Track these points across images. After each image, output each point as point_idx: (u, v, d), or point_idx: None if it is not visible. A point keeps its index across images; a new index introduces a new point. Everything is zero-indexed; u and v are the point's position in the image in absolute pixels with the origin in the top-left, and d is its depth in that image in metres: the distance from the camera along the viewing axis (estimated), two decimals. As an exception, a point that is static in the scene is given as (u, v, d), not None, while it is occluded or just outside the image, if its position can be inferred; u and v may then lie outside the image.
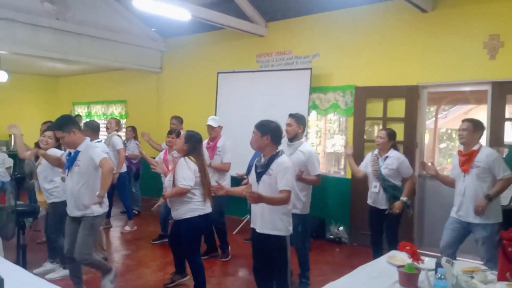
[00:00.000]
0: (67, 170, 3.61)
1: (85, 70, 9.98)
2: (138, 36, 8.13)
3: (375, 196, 4.30)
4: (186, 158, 3.71)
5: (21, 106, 10.74)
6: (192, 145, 3.75)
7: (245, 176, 4.81)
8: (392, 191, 4.18)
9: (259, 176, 3.11)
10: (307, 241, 4.18)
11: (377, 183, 4.26)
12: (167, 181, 3.81)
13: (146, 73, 8.81)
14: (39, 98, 11.26)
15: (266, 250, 3.14)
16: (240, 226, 6.38)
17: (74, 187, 3.56)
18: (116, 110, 9.80)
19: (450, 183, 4.02)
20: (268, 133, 3.08)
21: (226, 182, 4.98)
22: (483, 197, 3.62)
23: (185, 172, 3.64)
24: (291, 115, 4.06)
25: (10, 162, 6.36)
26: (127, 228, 6.33)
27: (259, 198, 2.89)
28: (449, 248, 3.79)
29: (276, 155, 3.08)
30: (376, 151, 4.38)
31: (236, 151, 5.16)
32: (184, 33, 7.93)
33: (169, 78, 8.56)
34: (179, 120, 6.30)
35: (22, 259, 3.83)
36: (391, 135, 4.32)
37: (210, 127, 5.07)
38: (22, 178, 6.44)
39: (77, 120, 3.73)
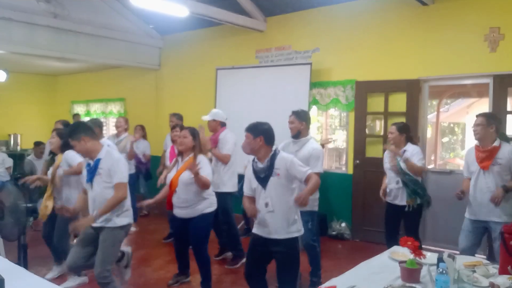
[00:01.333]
0: (89, 182, 3.35)
1: (83, 69, 9.95)
2: (136, 33, 8.10)
3: (397, 192, 4.20)
4: (203, 155, 3.82)
5: (20, 105, 10.73)
6: (199, 142, 3.81)
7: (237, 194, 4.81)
8: (413, 186, 4.08)
9: (264, 180, 3.00)
10: (317, 239, 4.11)
11: (398, 178, 4.16)
12: (186, 178, 3.70)
13: (144, 70, 8.79)
14: (38, 97, 11.25)
15: (280, 254, 3.02)
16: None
17: (97, 195, 3.32)
18: (115, 108, 9.78)
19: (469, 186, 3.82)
20: (261, 134, 3.01)
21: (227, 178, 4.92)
22: (500, 188, 3.52)
23: (209, 168, 3.78)
24: (292, 112, 4.03)
25: (10, 162, 6.37)
26: (132, 228, 6.32)
27: (306, 197, 2.87)
28: (469, 252, 3.62)
29: (275, 155, 3.02)
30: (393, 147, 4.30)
31: (236, 148, 5.08)
32: (182, 29, 7.90)
33: (168, 75, 8.54)
34: (178, 117, 6.25)
35: (23, 259, 3.82)
36: (402, 128, 4.25)
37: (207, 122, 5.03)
38: (21, 178, 6.41)
39: (89, 127, 3.41)
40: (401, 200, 4.18)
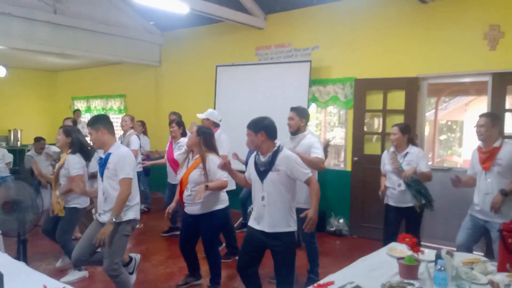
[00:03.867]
0: (101, 176, 3.42)
1: (83, 65, 9.94)
2: (136, 30, 8.09)
3: (399, 194, 4.13)
4: (213, 154, 3.73)
5: (20, 101, 10.73)
6: (204, 139, 3.75)
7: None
8: (416, 187, 4.05)
9: (263, 174, 3.03)
10: (315, 236, 4.11)
11: (400, 181, 4.09)
12: (196, 176, 3.70)
13: (144, 67, 8.78)
14: (38, 93, 11.24)
15: (278, 248, 3.04)
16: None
17: (105, 189, 3.37)
18: (115, 105, 9.78)
19: (473, 183, 3.80)
20: (262, 130, 3.02)
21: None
22: (498, 193, 3.50)
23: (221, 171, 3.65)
24: (292, 109, 4.02)
25: (9, 157, 6.35)
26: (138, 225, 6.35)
27: (315, 217, 2.98)
28: (465, 248, 3.65)
29: (278, 151, 3.03)
30: (392, 149, 4.27)
31: (235, 145, 5.11)
32: (182, 26, 7.89)
33: (168, 72, 8.53)
34: (178, 116, 6.30)
35: (22, 254, 3.82)
36: (404, 129, 4.19)
37: (202, 120, 5.06)
38: (14, 171, 6.41)
39: (109, 121, 3.46)
40: (405, 202, 4.12)
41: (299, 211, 3.19)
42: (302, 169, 3.00)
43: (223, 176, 3.63)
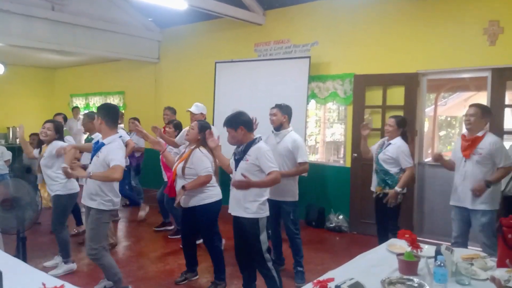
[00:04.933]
0: (90, 159, 3.58)
1: (82, 62, 9.92)
2: (135, 26, 8.06)
3: (373, 179, 4.35)
4: (201, 148, 3.77)
5: (19, 98, 10.71)
6: (204, 136, 3.78)
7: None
8: (382, 176, 4.17)
9: (237, 163, 3.24)
10: (299, 229, 4.18)
11: (375, 165, 4.30)
12: (179, 170, 3.79)
13: (143, 63, 8.76)
14: (37, 90, 11.22)
15: (242, 232, 3.27)
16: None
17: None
18: (114, 102, 9.75)
19: (452, 166, 3.95)
20: (240, 125, 3.19)
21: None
22: (483, 182, 3.60)
23: (205, 162, 3.73)
24: (276, 106, 4.17)
25: (9, 155, 6.34)
26: (142, 213, 6.37)
27: (248, 185, 3.06)
28: (461, 239, 3.77)
29: (253, 142, 3.20)
30: (387, 138, 4.36)
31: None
32: (181, 22, 7.86)
33: (167, 69, 8.51)
34: (172, 111, 6.25)
35: (22, 252, 3.82)
36: (401, 122, 4.24)
37: (191, 114, 5.10)
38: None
39: (111, 113, 3.54)
40: (373, 186, 4.33)
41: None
42: (268, 162, 3.14)
43: (205, 170, 3.69)
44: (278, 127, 4.12)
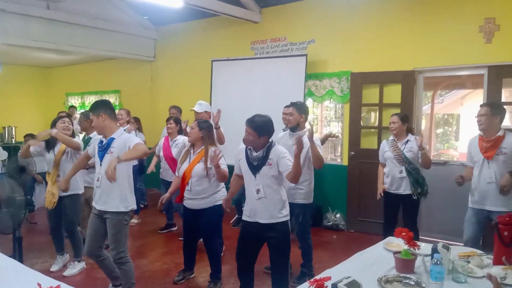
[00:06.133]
0: (100, 160, 3.38)
1: (78, 60, 9.87)
2: (130, 25, 8.02)
3: (400, 181, 4.20)
4: (214, 147, 3.79)
5: (15, 97, 10.64)
6: (207, 132, 3.79)
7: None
8: (415, 175, 4.13)
9: (257, 168, 3.10)
10: (309, 232, 4.09)
11: (402, 167, 4.17)
12: (200, 169, 3.74)
13: (139, 62, 8.72)
14: (33, 89, 11.16)
15: (273, 239, 3.12)
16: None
17: (104, 174, 3.24)
18: (110, 100, 9.70)
19: (471, 175, 3.80)
20: (266, 135, 3.07)
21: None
22: (507, 174, 3.49)
23: (223, 160, 3.74)
24: (292, 104, 3.98)
25: (4, 154, 6.32)
26: (134, 220, 6.33)
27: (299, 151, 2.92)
28: (474, 243, 3.59)
29: (271, 146, 3.11)
30: (391, 137, 4.33)
31: (230, 139, 5.08)
32: (177, 20, 7.83)
33: (163, 67, 8.49)
34: (178, 110, 6.27)
35: (18, 253, 3.80)
36: (404, 118, 4.27)
37: (195, 113, 5.05)
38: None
39: (110, 107, 3.45)
40: (404, 189, 4.20)
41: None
42: (288, 161, 3.06)
43: (223, 166, 3.70)
44: (295, 127, 3.93)
